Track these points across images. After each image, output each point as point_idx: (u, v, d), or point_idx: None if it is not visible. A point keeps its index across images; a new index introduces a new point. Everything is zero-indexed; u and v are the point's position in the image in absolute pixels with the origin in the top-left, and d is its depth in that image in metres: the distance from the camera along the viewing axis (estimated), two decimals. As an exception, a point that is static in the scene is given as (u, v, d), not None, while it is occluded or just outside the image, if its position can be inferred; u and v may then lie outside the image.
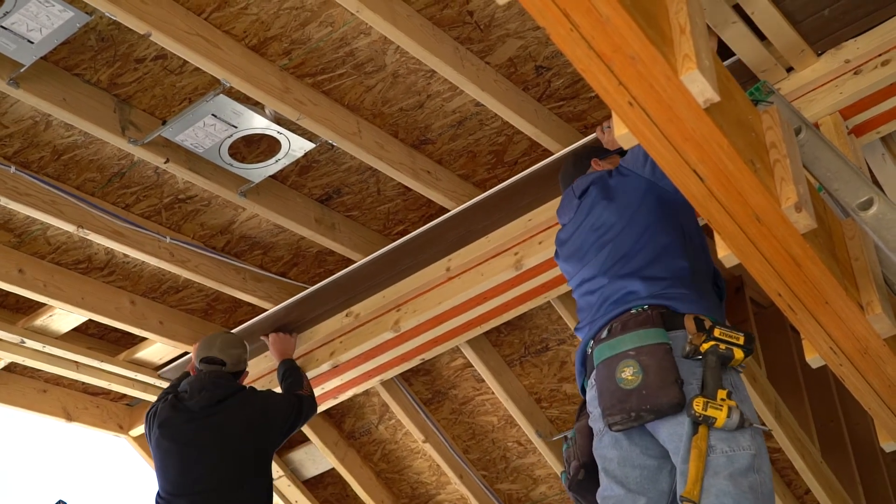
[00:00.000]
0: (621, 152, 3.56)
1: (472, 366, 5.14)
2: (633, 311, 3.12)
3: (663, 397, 2.90)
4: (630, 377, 2.96)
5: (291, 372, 4.73)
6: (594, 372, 3.13)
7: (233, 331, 5.03)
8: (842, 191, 2.79)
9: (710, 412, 2.85)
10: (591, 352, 3.18)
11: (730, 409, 2.86)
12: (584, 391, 3.31)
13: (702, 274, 3.25)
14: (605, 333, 3.14)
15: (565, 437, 3.44)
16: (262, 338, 5.03)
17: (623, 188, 3.36)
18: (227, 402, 4.33)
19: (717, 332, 2.97)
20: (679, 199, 3.24)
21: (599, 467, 3.13)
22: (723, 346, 2.95)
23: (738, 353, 2.97)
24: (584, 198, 3.46)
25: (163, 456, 4.33)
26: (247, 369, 4.66)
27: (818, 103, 3.68)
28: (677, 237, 3.25)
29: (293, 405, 4.50)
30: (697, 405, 2.86)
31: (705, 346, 2.95)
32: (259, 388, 4.68)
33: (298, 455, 5.87)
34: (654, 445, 3.04)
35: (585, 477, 3.30)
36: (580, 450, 3.33)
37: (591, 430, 3.22)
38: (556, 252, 3.60)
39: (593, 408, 3.17)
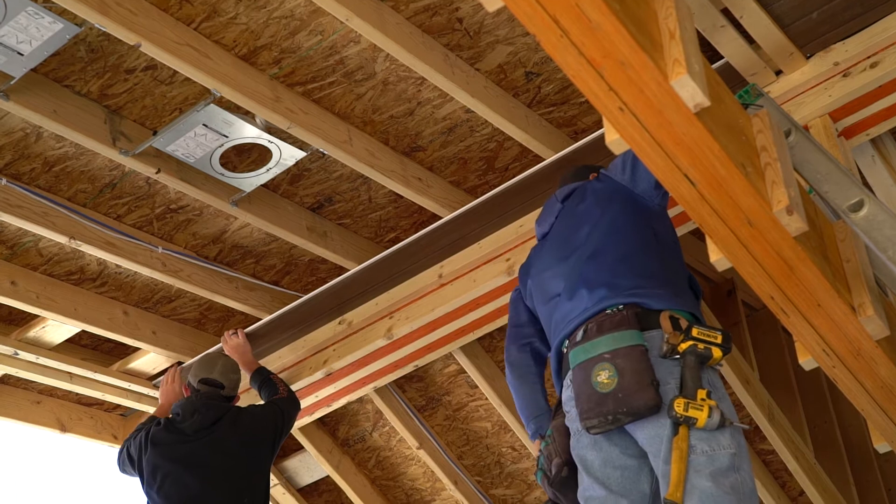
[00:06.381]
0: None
1: (465, 372, 5.14)
2: (608, 311, 3.09)
3: (639, 400, 2.89)
4: (606, 381, 2.95)
5: (266, 383, 4.71)
6: (570, 373, 3.12)
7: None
8: (832, 193, 2.79)
9: (692, 413, 2.84)
10: (567, 352, 3.16)
11: (710, 408, 2.85)
12: (560, 389, 3.31)
13: (676, 275, 3.24)
14: (580, 335, 3.11)
15: (542, 436, 3.41)
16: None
17: (599, 192, 3.38)
18: (219, 424, 4.34)
19: (694, 332, 2.95)
20: (654, 206, 3.30)
21: (579, 467, 3.11)
22: (701, 346, 2.93)
23: (717, 352, 2.94)
24: (566, 202, 3.47)
25: (153, 472, 4.31)
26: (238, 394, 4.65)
27: (807, 106, 3.68)
28: (649, 238, 3.25)
29: (276, 413, 4.50)
30: (678, 406, 2.85)
31: (683, 345, 2.93)
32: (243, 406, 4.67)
33: (293, 463, 5.86)
34: (633, 445, 3.03)
35: (569, 474, 3.27)
36: (560, 447, 3.28)
37: (567, 428, 3.22)
38: (529, 261, 3.58)
39: (570, 408, 3.15)
